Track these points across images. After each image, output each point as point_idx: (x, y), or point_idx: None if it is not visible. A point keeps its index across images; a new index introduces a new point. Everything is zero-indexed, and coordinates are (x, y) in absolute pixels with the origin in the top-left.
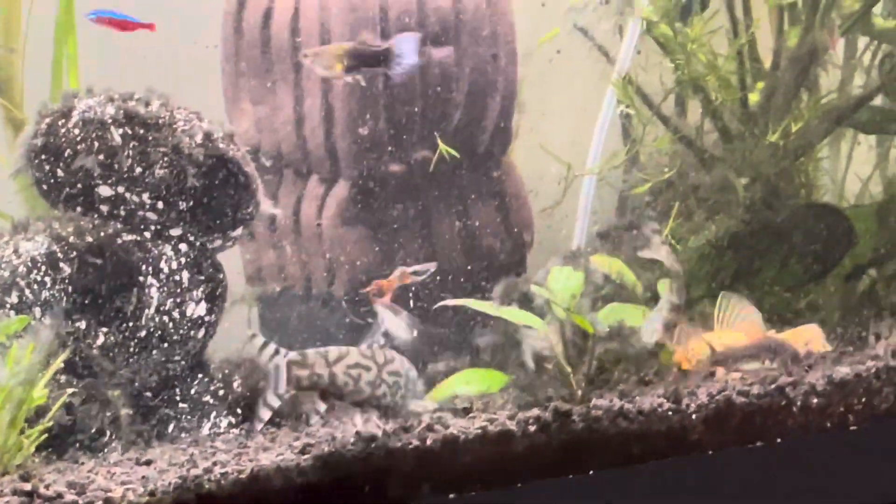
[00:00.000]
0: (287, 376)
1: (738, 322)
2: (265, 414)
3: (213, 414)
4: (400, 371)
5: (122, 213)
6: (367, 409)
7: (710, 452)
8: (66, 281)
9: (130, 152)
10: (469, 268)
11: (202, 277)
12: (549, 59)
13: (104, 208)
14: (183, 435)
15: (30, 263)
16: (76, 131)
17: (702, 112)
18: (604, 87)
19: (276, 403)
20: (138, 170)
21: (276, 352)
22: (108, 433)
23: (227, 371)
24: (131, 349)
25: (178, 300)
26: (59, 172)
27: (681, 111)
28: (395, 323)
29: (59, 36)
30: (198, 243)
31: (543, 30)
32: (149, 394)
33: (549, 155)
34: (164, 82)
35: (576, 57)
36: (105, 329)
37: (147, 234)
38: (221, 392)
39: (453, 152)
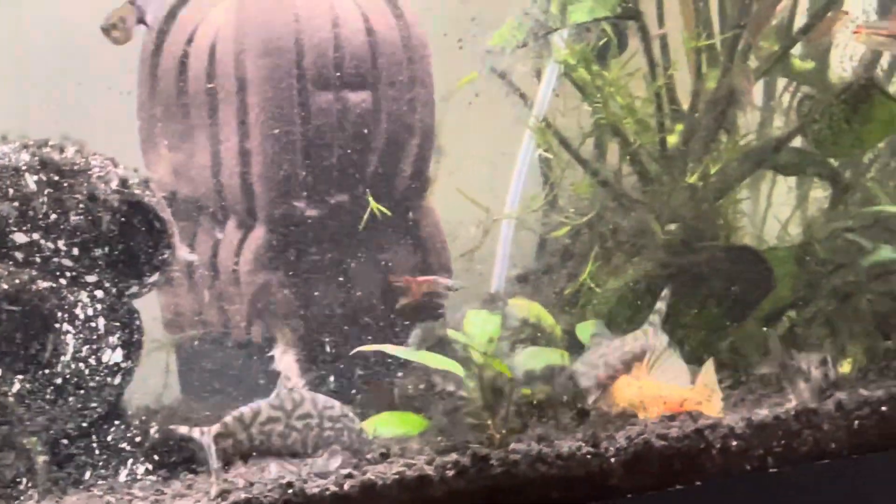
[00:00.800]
0: (217, 452)
1: (665, 368)
2: (213, 490)
3: (130, 461)
4: (311, 412)
5: (38, 259)
6: (283, 458)
7: (630, 496)
8: None
9: (45, 199)
10: (387, 312)
11: (118, 324)
12: (468, 103)
13: (19, 255)
14: (100, 482)
15: None
16: None
17: (620, 155)
18: (522, 131)
19: (216, 481)
20: (53, 216)
21: (202, 433)
22: (24, 481)
23: (144, 418)
24: (47, 396)
25: (95, 347)
26: None
27: (599, 154)
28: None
29: None
30: (114, 290)
31: (462, 73)
32: (65, 441)
33: (467, 199)
34: (80, 128)
35: (494, 100)
36: (20, 376)
37: (63, 281)
38: (138, 439)
39: (385, 210)
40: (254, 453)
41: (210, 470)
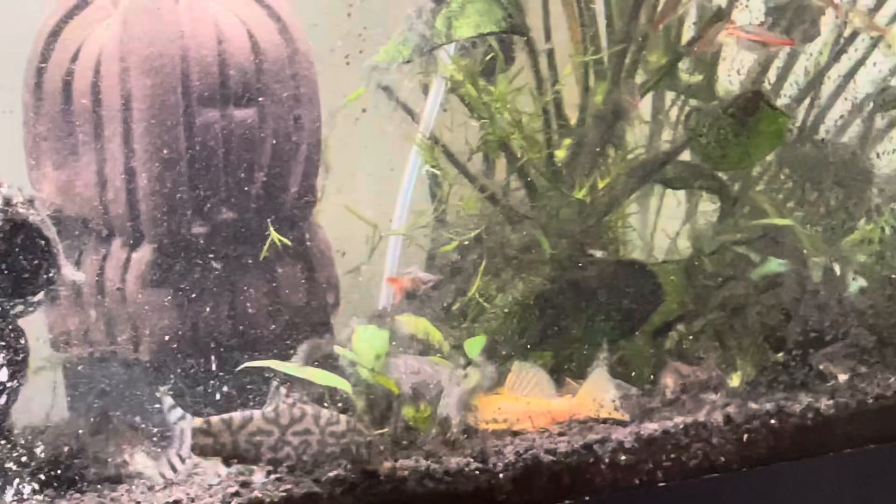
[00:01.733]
0: (192, 443)
1: (528, 389)
2: (168, 472)
3: (17, 480)
4: (311, 428)
5: None
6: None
7: None
8: None
9: None
10: (274, 329)
11: (3, 343)
12: (355, 119)
13: None
14: None
15: None
16: None
17: (508, 170)
18: (409, 147)
19: (179, 465)
20: None
21: (183, 417)
22: None
23: (30, 437)
24: None
25: None
26: None
27: (487, 170)
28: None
29: None
30: None
31: (349, 89)
32: None
33: (355, 215)
34: None
35: (381, 116)
36: None
37: None
38: (24, 459)
39: (286, 241)
40: (235, 459)
41: (172, 451)
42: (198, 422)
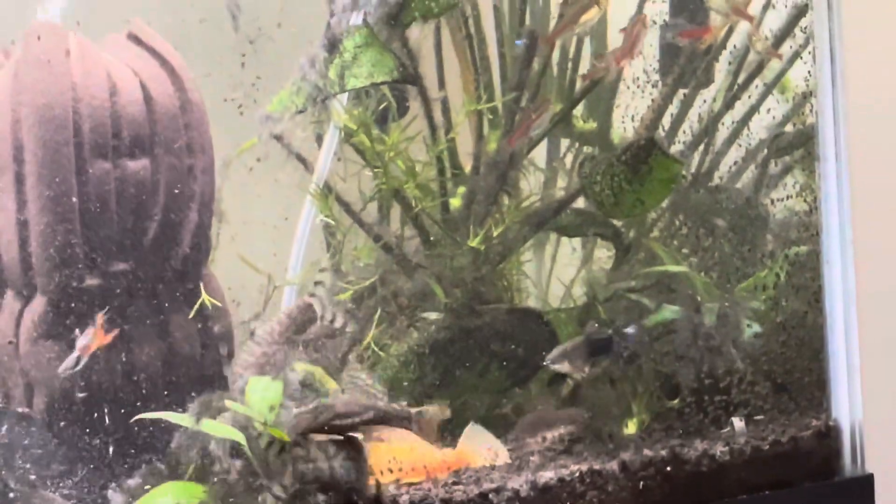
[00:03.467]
0: None
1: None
2: None
3: None
4: None
5: None
6: None
7: None
8: None
9: None
10: (168, 380)
11: None
12: (249, 168)
13: None
14: None
15: None
16: None
17: (402, 219)
18: (303, 196)
19: None
20: None
21: None
22: None
23: None
24: None
25: None
26: None
27: (382, 218)
28: None
29: None
30: None
31: (243, 138)
32: None
33: (248, 265)
34: None
35: (275, 166)
36: None
37: None
38: None
39: (217, 302)
40: None
41: None
42: None
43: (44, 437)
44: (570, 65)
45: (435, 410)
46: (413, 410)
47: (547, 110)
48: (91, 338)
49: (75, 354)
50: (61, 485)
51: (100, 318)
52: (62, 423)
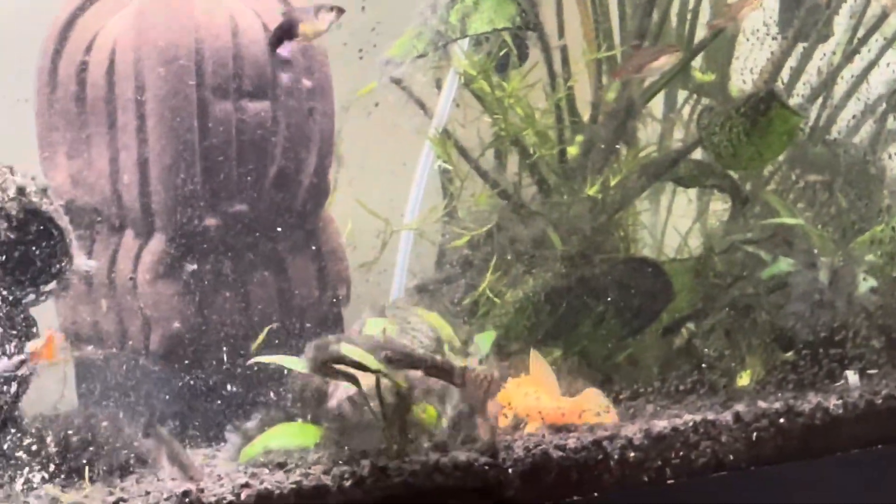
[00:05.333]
0: None
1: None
2: None
3: (26, 469)
4: None
5: None
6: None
7: None
8: None
9: None
10: (285, 323)
11: (14, 332)
12: (368, 113)
13: None
14: None
15: None
16: None
17: (520, 166)
18: (422, 142)
19: None
20: None
21: None
22: None
23: (40, 426)
24: None
25: None
26: None
27: (499, 165)
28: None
29: None
30: (10, 297)
31: (362, 83)
32: None
33: (366, 209)
34: None
35: (394, 110)
36: None
37: None
38: (35, 447)
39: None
40: None
41: None
42: None
43: (160, 378)
44: (689, 15)
45: (483, 369)
46: (458, 366)
47: (671, 56)
48: (40, 347)
49: (20, 358)
50: (177, 425)
51: (49, 333)
52: (179, 364)
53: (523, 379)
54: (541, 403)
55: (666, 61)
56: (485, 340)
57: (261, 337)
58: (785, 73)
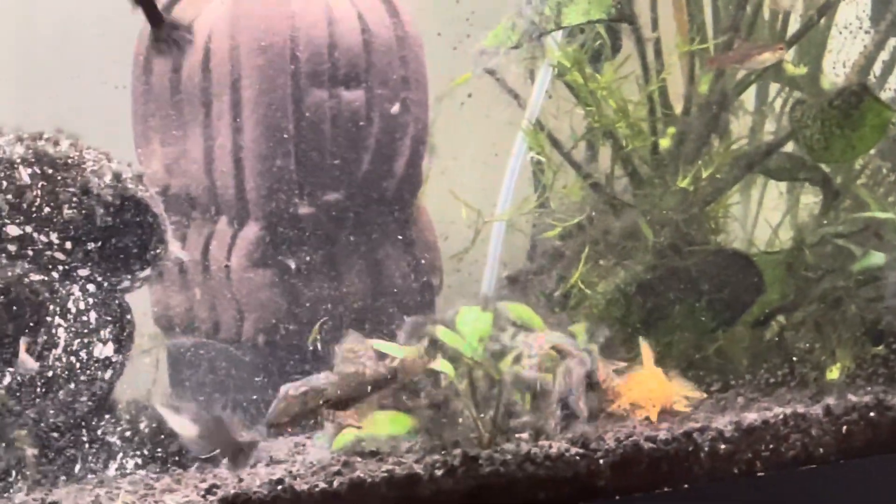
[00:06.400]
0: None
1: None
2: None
3: (120, 455)
4: None
5: (30, 252)
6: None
7: (617, 498)
8: None
9: (39, 192)
10: (377, 310)
11: (110, 318)
12: (461, 103)
13: (11, 248)
14: (89, 475)
15: None
16: None
17: (612, 158)
18: (515, 133)
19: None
20: (46, 209)
21: None
22: (13, 473)
23: (134, 412)
24: (37, 389)
25: (86, 341)
26: None
27: (591, 157)
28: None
29: None
30: (105, 284)
31: (456, 73)
32: (55, 434)
33: (458, 200)
34: (74, 122)
35: (487, 101)
36: (10, 369)
37: (55, 274)
38: (128, 433)
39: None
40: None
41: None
42: None
43: (253, 364)
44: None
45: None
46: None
47: (775, 53)
48: None
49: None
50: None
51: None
52: (271, 352)
53: (644, 369)
54: (660, 391)
55: (769, 57)
56: (578, 332)
57: (314, 331)
58: (877, 67)
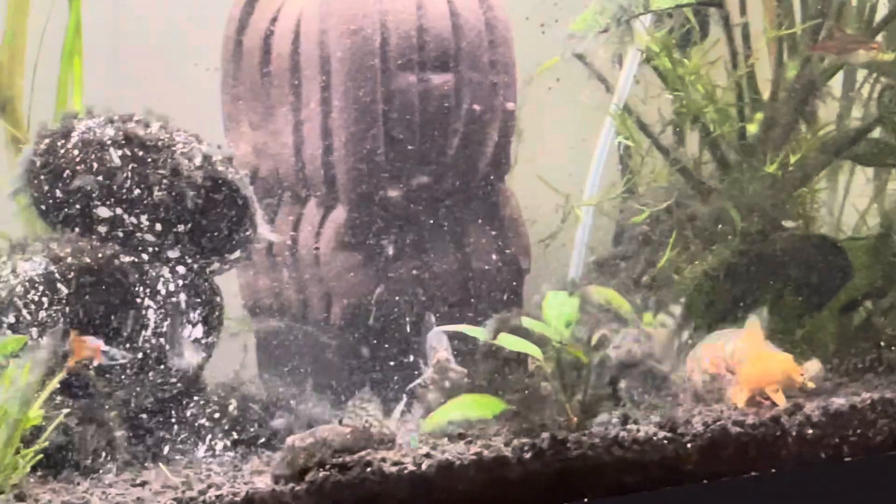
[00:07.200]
0: None
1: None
2: None
3: (209, 436)
4: None
5: (121, 234)
6: None
7: (705, 482)
8: (64, 301)
9: (129, 174)
10: (465, 294)
11: (199, 300)
12: (549, 87)
13: (102, 229)
14: (178, 457)
15: (27, 283)
16: (75, 152)
17: (700, 143)
18: (601, 117)
19: None
20: (137, 191)
21: None
22: (104, 454)
23: (222, 394)
24: (127, 370)
25: (175, 322)
26: (58, 193)
27: (679, 142)
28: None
29: (66, 57)
30: (195, 266)
31: (543, 57)
32: (144, 415)
33: (546, 184)
34: (165, 104)
35: (574, 85)
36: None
37: (145, 256)
38: (217, 415)
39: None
40: None
41: None
42: None
43: (341, 348)
44: None
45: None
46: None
47: (868, 51)
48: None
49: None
50: (357, 394)
51: (73, 335)
52: (359, 335)
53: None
54: (779, 370)
55: (862, 55)
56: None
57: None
58: None
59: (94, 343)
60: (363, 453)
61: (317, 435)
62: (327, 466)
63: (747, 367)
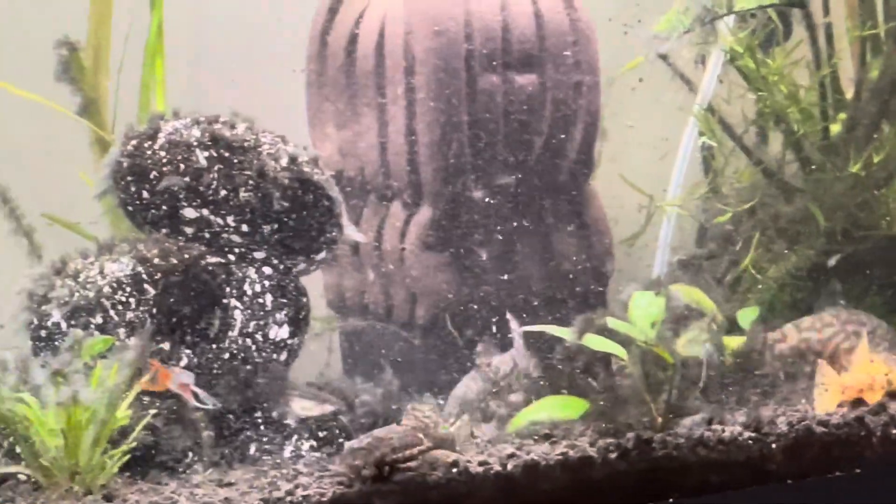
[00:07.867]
0: None
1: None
2: None
3: (295, 437)
4: None
5: (207, 235)
6: None
7: (789, 482)
8: (151, 302)
9: (215, 175)
10: (550, 294)
11: (285, 300)
12: (632, 88)
13: (189, 230)
14: (264, 457)
15: (115, 284)
16: (162, 153)
17: (783, 143)
18: (685, 118)
19: None
20: (223, 192)
21: None
22: (191, 454)
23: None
24: (214, 371)
25: (262, 323)
26: (145, 194)
27: (762, 142)
28: None
29: (148, 59)
30: (281, 266)
31: (626, 58)
32: (231, 416)
33: (629, 184)
34: (250, 106)
35: (658, 86)
36: (188, 350)
37: (231, 257)
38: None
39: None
40: None
41: None
42: None
43: (426, 348)
44: None
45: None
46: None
47: None
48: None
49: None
50: (443, 396)
51: (156, 364)
52: (444, 333)
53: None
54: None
55: None
56: (747, 316)
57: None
58: None
59: (184, 379)
60: (414, 451)
61: (374, 434)
62: (386, 465)
63: (852, 374)
